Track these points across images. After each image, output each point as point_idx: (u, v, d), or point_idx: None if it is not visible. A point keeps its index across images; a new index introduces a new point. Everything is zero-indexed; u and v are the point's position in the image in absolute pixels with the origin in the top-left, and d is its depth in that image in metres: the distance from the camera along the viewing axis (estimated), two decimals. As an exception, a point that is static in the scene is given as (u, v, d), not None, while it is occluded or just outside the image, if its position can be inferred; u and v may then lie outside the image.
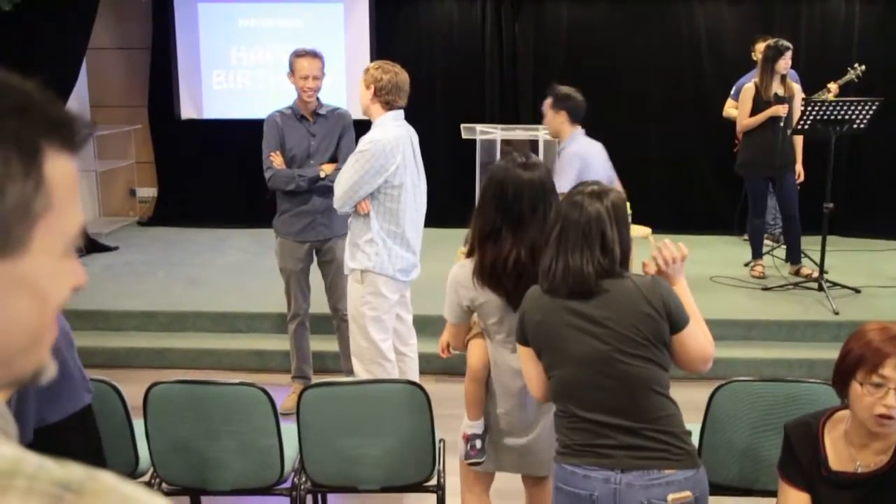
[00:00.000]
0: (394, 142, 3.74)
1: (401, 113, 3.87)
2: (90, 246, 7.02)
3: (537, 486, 2.91)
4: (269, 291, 5.40)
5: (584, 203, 2.29)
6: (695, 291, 2.49)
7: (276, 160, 4.32)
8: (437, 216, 7.15)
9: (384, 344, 3.90)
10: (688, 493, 2.20)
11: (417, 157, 3.94)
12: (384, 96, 3.78)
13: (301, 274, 4.51)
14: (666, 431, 2.23)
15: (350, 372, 4.39)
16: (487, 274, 2.58)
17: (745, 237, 6.94)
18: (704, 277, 6.03)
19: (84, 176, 8.24)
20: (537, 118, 6.98)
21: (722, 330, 5.10)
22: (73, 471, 0.67)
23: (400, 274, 3.88)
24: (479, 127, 5.28)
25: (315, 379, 4.54)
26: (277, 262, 4.54)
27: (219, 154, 8.08)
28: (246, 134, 7.88)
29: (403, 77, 3.83)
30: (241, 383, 2.88)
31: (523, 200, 2.55)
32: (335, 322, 4.58)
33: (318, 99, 4.39)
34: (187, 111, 8.22)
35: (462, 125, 5.32)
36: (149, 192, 8.52)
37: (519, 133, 5.34)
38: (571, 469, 2.25)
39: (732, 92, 6.70)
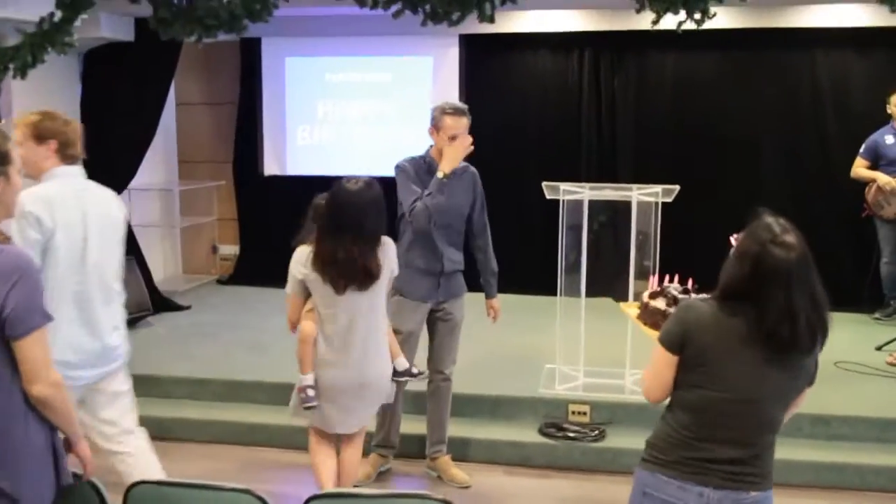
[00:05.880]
0: None
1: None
2: (161, 304, 6.77)
3: (351, 445, 3.58)
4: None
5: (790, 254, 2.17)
6: (816, 380, 2.37)
7: None
8: (524, 281, 6.72)
9: None
10: None
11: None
12: None
13: None
14: (765, 461, 2.31)
15: (438, 443, 4.24)
16: None
17: (877, 315, 6.09)
18: (828, 363, 5.18)
19: (167, 232, 8.10)
20: (639, 177, 6.39)
21: (850, 429, 4.35)
22: None
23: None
24: (563, 186, 4.69)
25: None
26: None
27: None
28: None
29: None
30: (235, 489, 2.35)
31: None
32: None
33: None
34: (271, 167, 7.99)
35: (544, 183, 4.74)
36: (231, 249, 8.29)
37: (608, 193, 4.73)
38: (666, 479, 2.32)
39: (862, 150, 5.93)
